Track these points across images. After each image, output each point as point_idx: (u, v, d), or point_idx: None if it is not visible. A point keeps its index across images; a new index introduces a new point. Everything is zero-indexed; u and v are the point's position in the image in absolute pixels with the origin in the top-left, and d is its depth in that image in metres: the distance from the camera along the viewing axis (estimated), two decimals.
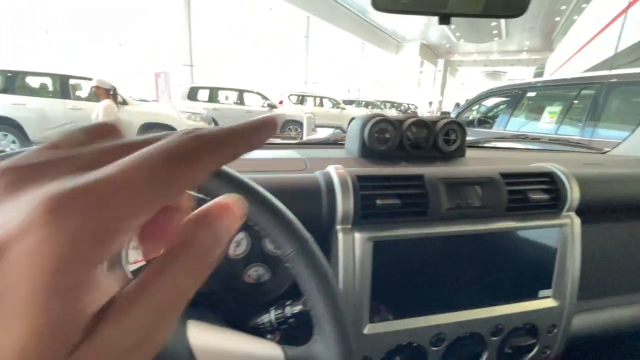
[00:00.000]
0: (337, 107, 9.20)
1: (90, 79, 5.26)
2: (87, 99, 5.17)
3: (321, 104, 9.18)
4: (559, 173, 0.57)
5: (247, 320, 0.46)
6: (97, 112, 2.91)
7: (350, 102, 12.11)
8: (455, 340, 0.52)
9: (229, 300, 0.51)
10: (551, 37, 17.00)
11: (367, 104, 12.52)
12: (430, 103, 16.17)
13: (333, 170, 0.49)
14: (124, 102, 5.08)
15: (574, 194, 0.55)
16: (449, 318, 0.51)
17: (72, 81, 5.07)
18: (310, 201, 0.48)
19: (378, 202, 0.47)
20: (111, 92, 3.01)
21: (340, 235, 0.46)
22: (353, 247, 0.46)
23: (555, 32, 15.97)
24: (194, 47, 8.97)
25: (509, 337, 0.54)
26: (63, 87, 5.05)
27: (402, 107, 14.16)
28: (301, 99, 9.32)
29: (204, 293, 0.50)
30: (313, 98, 9.69)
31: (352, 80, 16.81)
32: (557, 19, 14.24)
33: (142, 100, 5.46)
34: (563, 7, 12.71)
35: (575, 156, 0.89)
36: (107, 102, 2.94)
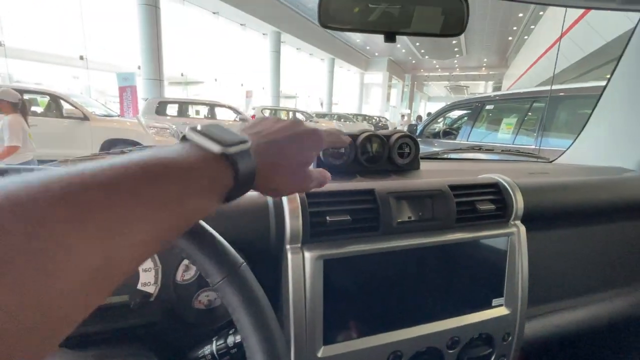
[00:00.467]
0: (310, 121, 9.39)
1: (46, 94, 4.98)
2: (44, 114, 4.87)
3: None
4: (504, 183, 0.59)
5: (189, 353, 0.43)
6: (1, 128, 2.50)
7: (323, 116, 12.36)
8: (413, 356, 0.51)
9: (172, 331, 0.47)
10: (506, 54, 18.44)
11: (340, 117, 12.84)
12: (403, 116, 16.80)
13: None
14: (85, 118, 4.83)
15: (518, 203, 0.57)
16: (405, 334, 0.50)
17: (25, 96, 4.73)
18: (258, 221, 0.46)
19: (328, 218, 0.46)
20: (19, 107, 2.59)
21: (289, 255, 0.45)
22: (303, 267, 0.45)
23: (509, 50, 17.37)
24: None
25: (465, 349, 0.54)
26: None
27: (374, 120, 14.59)
28: (274, 113, 9.36)
29: (144, 325, 0.46)
30: (286, 112, 9.79)
31: (324, 95, 17.14)
32: (510, 38, 15.51)
33: (105, 116, 5.20)
34: (515, 28, 13.89)
35: (523, 166, 0.94)
36: (12, 117, 2.53)
